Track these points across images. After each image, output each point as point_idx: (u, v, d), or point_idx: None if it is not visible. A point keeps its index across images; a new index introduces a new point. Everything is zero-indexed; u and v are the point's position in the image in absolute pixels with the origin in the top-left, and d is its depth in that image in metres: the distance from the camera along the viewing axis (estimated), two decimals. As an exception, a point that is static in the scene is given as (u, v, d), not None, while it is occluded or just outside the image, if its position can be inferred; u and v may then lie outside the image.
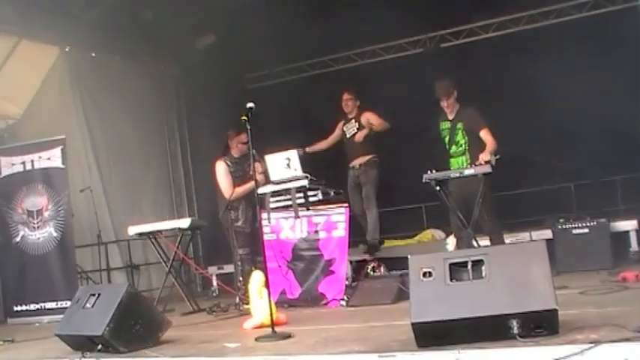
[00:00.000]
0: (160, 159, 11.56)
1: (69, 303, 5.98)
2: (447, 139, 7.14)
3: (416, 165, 6.82)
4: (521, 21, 10.73)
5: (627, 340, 3.26)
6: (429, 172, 6.60)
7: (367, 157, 8.40)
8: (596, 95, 9.21)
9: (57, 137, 8.71)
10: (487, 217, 6.73)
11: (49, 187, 8.65)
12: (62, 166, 8.65)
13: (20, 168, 8.79)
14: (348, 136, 8.57)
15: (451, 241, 7.74)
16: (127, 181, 10.52)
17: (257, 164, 7.21)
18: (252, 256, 7.54)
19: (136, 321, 5.00)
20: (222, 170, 7.74)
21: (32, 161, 8.73)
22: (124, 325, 4.92)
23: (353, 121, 8.53)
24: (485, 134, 6.90)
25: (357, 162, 8.42)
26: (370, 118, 8.41)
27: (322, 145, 8.68)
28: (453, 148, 7.09)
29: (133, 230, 8.00)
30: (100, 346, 4.86)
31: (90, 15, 9.35)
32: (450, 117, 7.11)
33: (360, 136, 8.36)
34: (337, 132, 8.72)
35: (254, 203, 7.19)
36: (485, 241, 7.27)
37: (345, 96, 8.56)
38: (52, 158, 8.67)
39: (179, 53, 11.25)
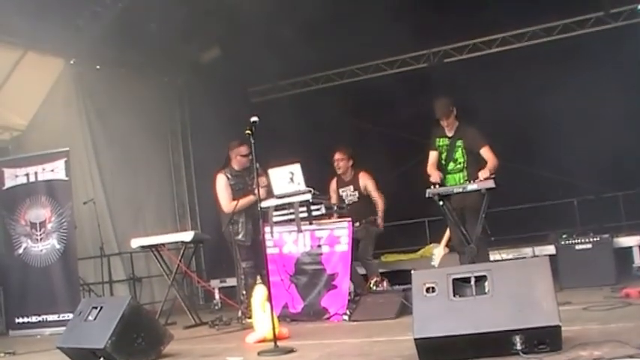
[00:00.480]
0: (163, 171, 11.59)
1: (71, 315, 5.99)
2: (444, 155, 7.12)
3: (419, 179, 6.82)
4: (524, 37, 10.78)
5: (631, 357, 3.26)
6: (432, 186, 6.62)
7: (368, 217, 7.97)
8: (601, 111, 9.23)
9: (61, 149, 8.74)
10: (489, 232, 6.72)
11: (52, 199, 8.67)
12: (66, 178, 8.67)
13: (24, 180, 8.82)
14: (347, 202, 7.96)
15: (437, 253, 7.74)
16: (130, 194, 10.54)
17: (262, 178, 7.23)
18: (255, 270, 7.52)
19: (138, 334, 5.00)
20: (222, 183, 7.75)
21: (36, 173, 8.76)
22: (126, 338, 4.91)
23: (351, 187, 8.07)
24: (486, 152, 6.88)
25: (357, 222, 7.76)
26: (368, 186, 8.01)
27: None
28: (451, 165, 7.08)
29: (135, 243, 8.01)
30: (102, 359, 4.86)
31: (95, 27, 9.39)
32: (449, 134, 7.09)
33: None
34: (333, 196, 8.13)
35: (254, 216, 7.20)
36: (495, 256, 7.27)
37: (337, 156, 8.04)
38: (56, 170, 8.69)
39: (184, 66, 11.30)
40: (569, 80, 9.62)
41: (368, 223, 7.89)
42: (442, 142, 7.14)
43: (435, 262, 7.58)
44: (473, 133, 7.01)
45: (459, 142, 7.02)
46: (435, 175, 6.88)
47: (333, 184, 8.21)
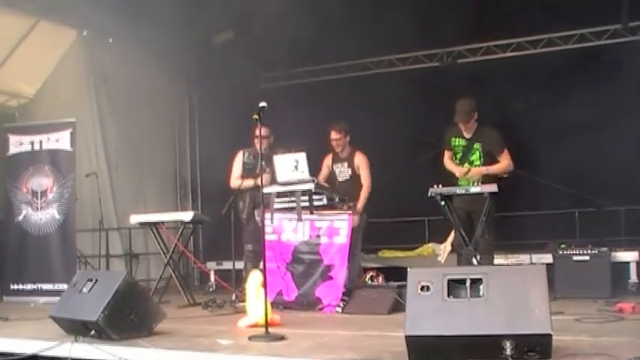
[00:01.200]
0: (168, 150, 11.61)
1: (66, 286, 6.02)
2: (458, 155, 7.06)
3: (423, 178, 6.82)
4: (539, 43, 10.73)
5: (619, 371, 3.28)
6: (435, 186, 6.61)
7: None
8: (610, 124, 9.22)
9: (67, 120, 8.76)
10: (487, 236, 6.71)
11: (55, 169, 8.70)
12: (70, 149, 8.70)
13: (28, 147, 8.85)
14: (339, 179, 7.80)
15: (444, 249, 7.72)
16: (133, 170, 10.56)
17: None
18: (253, 255, 7.56)
19: (131, 310, 5.03)
20: (237, 159, 7.82)
21: (41, 142, 8.78)
22: (118, 313, 4.95)
23: (346, 164, 7.80)
24: (504, 157, 6.84)
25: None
26: (361, 166, 7.70)
27: None
28: (466, 165, 7.01)
29: (135, 219, 8.04)
30: (93, 332, 4.89)
31: (110, 0, 9.39)
32: (467, 135, 6.99)
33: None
34: (325, 171, 7.93)
35: (257, 200, 7.22)
36: (500, 260, 7.25)
37: (334, 135, 7.73)
38: (61, 140, 8.71)
39: (196, 47, 11.30)
40: (581, 90, 9.59)
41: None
42: (458, 142, 7.05)
43: (442, 257, 7.54)
44: (494, 136, 6.94)
45: (477, 145, 6.94)
46: (459, 169, 6.85)
47: (328, 159, 7.92)
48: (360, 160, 7.77)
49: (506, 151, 6.89)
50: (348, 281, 6.95)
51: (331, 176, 7.85)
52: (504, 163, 6.82)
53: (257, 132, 7.55)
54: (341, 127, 7.72)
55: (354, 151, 7.82)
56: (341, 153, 7.82)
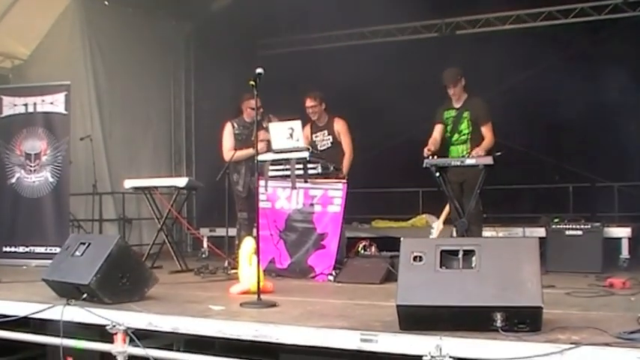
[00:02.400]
0: (163, 116, 11.55)
1: (58, 249, 6.00)
2: (449, 127, 7.09)
3: (418, 149, 6.80)
4: (539, 16, 10.66)
5: (607, 344, 3.29)
6: (430, 157, 6.61)
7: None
8: (606, 101, 9.20)
9: (62, 82, 8.67)
10: (481, 207, 6.74)
11: (49, 132, 8.63)
12: (65, 112, 8.62)
13: (22, 109, 8.77)
14: (320, 148, 7.65)
15: (436, 227, 7.75)
16: (127, 134, 10.52)
17: (264, 132, 7.21)
18: (248, 222, 7.58)
19: (124, 274, 5.02)
20: (226, 132, 7.78)
21: (35, 104, 8.70)
22: (111, 276, 4.94)
23: (325, 132, 7.71)
24: (486, 130, 6.90)
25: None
26: (342, 131, 7.64)
27: None
28: (455, 136, 7.05)
29: (129, 184, 8.02)
30: (85, 295, 4.89)
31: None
32: (456, 105, 7.06)
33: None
34: (304, 142, 7.42)
35: (253, 169, 7.20)
36: (490, 232, 7.27)
37: (309, 102, 7.63)
38: (55, 103, 8.64)
39: (193, 11, 11.17)
40: (578, 65, 9.58)
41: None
42: (449, 113, 7.09)
43: (434, 234, 7.58)
44: (481, 105, 7.00)
45: (466, 114, 6.98)
46: (430, 146, 6.81)
47: (307, 129, 7.67)
48: (340, 126, 7.72)
49: (490, 124, 6.93)
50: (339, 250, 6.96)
51: (312, 146, 7.62)
52: (489, 137, 6.85)
53: (247, 102, 7.61)
54: (316, 95, 7.65)
55: (332, 117, 7.76)
56: (319, 121, 7.75)
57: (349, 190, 6.89)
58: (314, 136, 7.75)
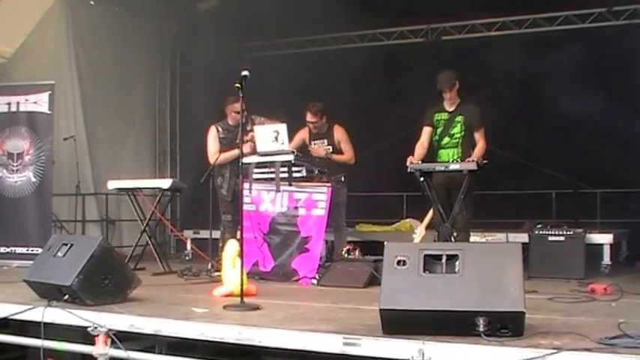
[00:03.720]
0: (147, 117, 11.50)
1: (40, 250, 5.96)
2: (439, 129, 7.08)
3: (403, 153, 6.82)
4: (524, 23, 10.72)
5: (588, 350, 3.32)
6: (413, 162, 6.61)
7: (338, 175, 7.56)
8: (592, 107, 9.26)
9: (46, 82, 8.61)
10: (465, 213, 6.76)
11: (32, 132, 8.56)
12: (48, 111, 8.56)
13: (5, 109, 8.68)
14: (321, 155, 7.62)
15: (419, 232, 7.76)
16: (111, 135, 10.46)
17: (251, 134, 7.20)
18: (233, 225, 7.57)
19: (106, 275, 4.99)
20: (211, 135, 7.75)
21: (18, 103, 8.62)
22: (93, 278, 4.91)
23: (325, 141, 7.68)
24: (479, 135, 6.90)
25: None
26: (342, 139, 7.65)
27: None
28: (446, 139, 7.03)
29: (112, 184, 7.98)
30: (66, 297, 4.85)
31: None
32: (450, 109, 7.04)
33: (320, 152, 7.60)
34: (298, 143, 7.68)
35: (238, 172, 7.19)
36: (476, 237, 7.29)
37: (310, 118, 7.57)
38: (39, 103, 8.57)
39: (180, 12, 11.13)
40: (562, 72, 9.65)
41: (339, 185, 7.50)
42: (441, 116, 7.07)
43: (417, 239, 7.59)
44: (477, 111, 7.01)
45: (459, 118, 6.97)
46: (415, 156, 6.81)
47: (304, 132, 7.73)
48: (341, 134, 7.73)
49: (483, 130, 6.96)
50: (333, 255, 6.97)
51: (303, 150, 7.66)
52: (482, 144, 6.87)
53: (231, 105, 7.60)
54: (317, 109, 7.57)
55: (332, 125, 7.75)
56: (319, 131, 7.74)
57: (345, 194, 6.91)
58: (312, 142, 7.72)
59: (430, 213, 7.32)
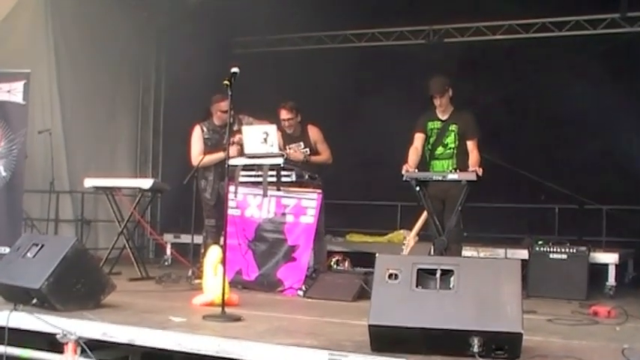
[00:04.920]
0: (130, 112, 11.46)
1: (8, 249, 5.92)
2: (432, 139, 7.07)
3: (399, 161, 6.81)
4: (532, 27, 10.73)
5: (589, 376, 3.32)
6: (407, 170, 6.60)
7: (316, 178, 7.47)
8: (599, 119, 9.29)
9: (21, 70, 8.55)
10: (462, 226, 6.76)
11: (4, 123, 8.49)
12: (23, 102, 8.50)
13: (-25, 98, 8.63)
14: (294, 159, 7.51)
15: (407, 242, 7.75)
16: (90, 130, 10.39)
17: (239, 136, 7.18)
18: (216, 230, 7.54)
19: (79, 279, 4.97)
20: (195, 136, 7.72)
21: (-11, 91, 8.58)
22: (65, 281, 4.88)
23: (302, 143, 7.69)
24: (473, 146, 6.88)
25: None
26: (318, 139, 7.69)
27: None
28: (439, 149, 7.03)
29: (89, 182, 7.93)
30: (35, 301, 4.82)
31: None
32: (442, 117, 7.03)
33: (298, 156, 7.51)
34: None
35: (223, 175, 7.16)
36: (470, 252, 7.29)
37: (284, 114, 7.58)
38: (13, 92, 8.51)
39: (167, 3, 11.10)
40: (571, 80, 9.65)
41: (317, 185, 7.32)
42: (434, 124, 7.06)
43: (405, 250, 7.60)
44: (471, 120, 6.99)
45: (453, 127, 6.97)
46: (410, 163, 6.79)
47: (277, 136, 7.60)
48: (316, 134, 7.75)
49: (476, 140, 6.94)
50: (316, 263, 6.95)
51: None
52: (476, 154, 6.86)
53: (217, 104, 7.57)
54: (292, 106, 7.61)
55: (305, 125, 7.76)
56: (292, 132, 7.72)
57: (336, 202, 6.88)
58: (287, 147, 7.64)
59: (420, 221, 7.32)
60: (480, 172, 6.41)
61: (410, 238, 7.68)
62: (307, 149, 7.69)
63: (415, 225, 7.39)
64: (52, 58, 9.78)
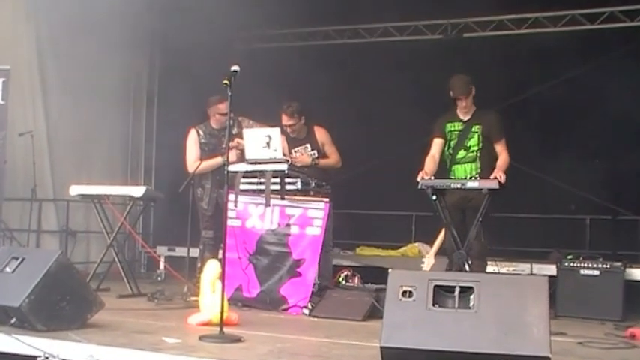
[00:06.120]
0: (120, 114, 11.49)
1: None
2: (453, 142, 7.05)
3: (413, 167, 6.80)
4: (560, 21, 10.66)
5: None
6: (422, 178, 6.58)
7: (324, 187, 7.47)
8: (633, 121, 9.23)
9: (0, 66, 8.58)
10: (483, 239, 6.74)
11: (-19, 125, 8.54)
12: (1, 101, 8.55)
13: (-52, 96, 8.66)
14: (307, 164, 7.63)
15: (427, 261, 7.75)
16: (77, 133, 10.40)
17: (238, 140, 7.19)
18: (214, 242, 7.56)
19: (63, 296, 4.98)
20: (191, 140, 7.75)
21: (-36, 88, 8.60)
22: (47, 299, 4.89)
23: (308, 145, 7.72)
24: (501, 148, 6.87)
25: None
26: (326, 141, 7.73)
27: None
28: (461, 153, 7.00)
29: (75, 190, 7.95)
30: (14, 320, 4.83)
31: None
32: (464, 118, 7.02)
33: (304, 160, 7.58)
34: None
35: (221, 184, 7.17)
36: (490, 267, 7.27)
37: (286, 121, 7.55)
38: (-9, 90, 8.55)
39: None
40: (605, 78, 9.59)
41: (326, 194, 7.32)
42: (454, 126, 7.04)
43: (425, 269, 7.59)
44: (494, 120, 6.99)
45: (476, 128, 6.95)
46: (428, 170, 6.77)
47: (282, 140, 7.56)
48: (323, 135, 7.78)
49: (504, 140, 6.94)
50: (321, 278, 6.95)
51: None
52: (505, 156, 6.84)
53: (214, 107, 7.58)
54: (293, 110, 7.56)
55: (312, 127, 7.78)
56: (297, 134, 7.74)
57: (344, 212, 6.87)
58: (293, 151, 7.69)
59: (441, 237, 7.31)
60: (503, 179, 6.39)
61: (430, 256, 7.68)
62: (315, 151, 7.71)
63: (435, 243, 7.38)
64: (35, 54, 9.80)
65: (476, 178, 6.73)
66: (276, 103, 7.85)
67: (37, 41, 9.83)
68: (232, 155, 6.98)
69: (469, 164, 6.99)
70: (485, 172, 6.75)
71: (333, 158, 7.75)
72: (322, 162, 7.67)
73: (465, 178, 6.80)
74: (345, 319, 6.23)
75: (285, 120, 7.59)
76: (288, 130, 7.63)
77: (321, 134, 7.76)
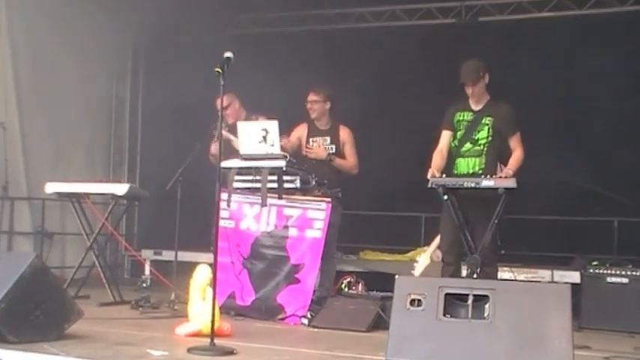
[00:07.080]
0: (102, 105, 11.49)
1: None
2: (460, 132, 7.03)
3: (422, 163, 6.80)
4: (587, 2, 10.60)
5: None
6: (432, 176, 6.58)
7: (335, 190, 7.47)
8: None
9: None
10: (499, 242, 6.73)
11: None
12: (-30, 91, 8.55)
13: None
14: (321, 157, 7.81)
15: (421, 261, 7.73)
16: (54, 126, 10.38)
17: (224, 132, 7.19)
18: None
19: (38, 304, 4.98)
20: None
21: None
22: (20, 307, 4.89)
23: (328, 138, 7.87)
24: (516, 142, 6.87)
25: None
26: (348, 142, 7.90)
27: None
28: (467, 145, 6.97)
29: (51, 188, 7.97)
30: (-18, 331, 4.84)
31: None
32: (475, 108, 7.01)
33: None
34: (292, 141, 7.88)
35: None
36: (506, 273, 7.26)
37: (311, 97, 7.84)
38: (-43, 79, 8.55)
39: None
40: (630, 66, 9.57)
41: (335, 201, 7.28)
42: (463, 116, 7.03)
43: (417, 270, 7.57)
44: (509, 113, 6.97)
45: (487, 120, 6.94)
46: (436, 166, 6.80)
47: (302, 129, 7.95)
48: (347, 135, 7.87)
49: (519, 135, 6.93)
50: (320, 287, 6.96)
51: (299, 151, 7.82)
52: (519, 152, 6.83)
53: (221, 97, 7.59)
54: (321, 91, 7.83)
55: (337, 124, 7.89)
56: (319, 123, 7.85)
57: (346, 213, 6.88)
58: (311, 139, 7.81)
59: (438, 237, 7.30)
60: (508, 180, 6.37)
61: (425, 255, 7.66)
62: (333, 146, 7.79)
63: (431, 243, 7.39)
64: (5, 39, 9.75)
65: (479, 174, 6.70)
66: (275, 92, 7.86)
67: (9, 28, 9.69)
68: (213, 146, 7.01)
69: (473, 158, 6.96)
70: (490, 169, 6.76)
71: (350, 161, 7.85)
72: (338, 161, 7.76)
73: (468, 174, 6.79)
74: (347, 330, 6.24)
75: (311, 96, 7.80)
76: (309, 106, 7.81)
77: (345, 133, 7.88)
